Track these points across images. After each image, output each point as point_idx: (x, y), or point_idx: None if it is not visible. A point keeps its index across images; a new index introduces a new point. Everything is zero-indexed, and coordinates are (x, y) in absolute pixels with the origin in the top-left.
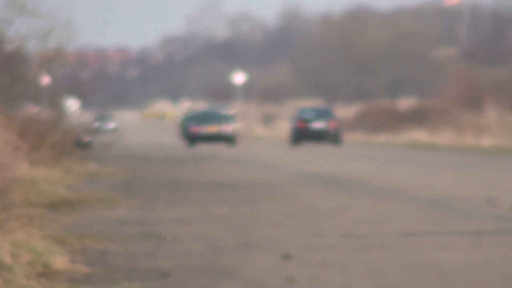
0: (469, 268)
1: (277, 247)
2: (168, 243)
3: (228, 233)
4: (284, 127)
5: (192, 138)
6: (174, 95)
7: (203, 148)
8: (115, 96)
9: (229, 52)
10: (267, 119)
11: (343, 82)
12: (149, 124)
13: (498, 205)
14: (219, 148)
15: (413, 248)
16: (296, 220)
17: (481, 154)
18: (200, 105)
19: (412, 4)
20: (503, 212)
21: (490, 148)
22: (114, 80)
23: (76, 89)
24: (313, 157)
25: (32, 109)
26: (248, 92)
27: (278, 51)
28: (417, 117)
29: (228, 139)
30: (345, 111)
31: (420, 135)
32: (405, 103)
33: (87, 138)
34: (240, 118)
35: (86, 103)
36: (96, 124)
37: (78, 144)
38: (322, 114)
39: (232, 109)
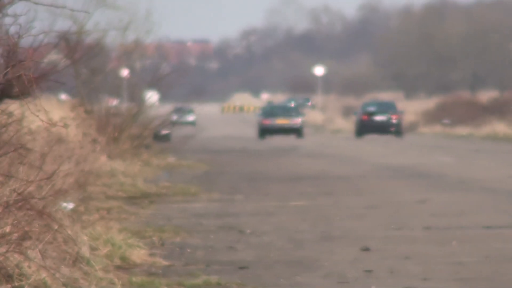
0: None
1: (357, 239)
2: (247, 236)
3: (308, 225)
4: None
5: (263, 130)
6: (254, 88)
7: (280, 141)
8: (194, 89)
9: (309, 44)
10: (347, 112)
11: (423, 74)
12: (228, 117)
13: None
14: (296, 141)
15: (493, 240)
16: (376, 213)
17: None
18: (280, 98)
19: None
20: None
21: None
22: (193, 73)
23: (155, 82)
24: (391, 149)
25: (111, 102)
26: (328, 84)
27: (358, 43)
28: (497, 110)
29: (296, 131)
30: (425, 104)
31: (501, 127)
32: (485, 95)
33: (166, 131)
34: (320, 111)
35: (165, 96)
36: (175, 117)
37: (157, 137)
38: (385, 107)
39: (311, 102)
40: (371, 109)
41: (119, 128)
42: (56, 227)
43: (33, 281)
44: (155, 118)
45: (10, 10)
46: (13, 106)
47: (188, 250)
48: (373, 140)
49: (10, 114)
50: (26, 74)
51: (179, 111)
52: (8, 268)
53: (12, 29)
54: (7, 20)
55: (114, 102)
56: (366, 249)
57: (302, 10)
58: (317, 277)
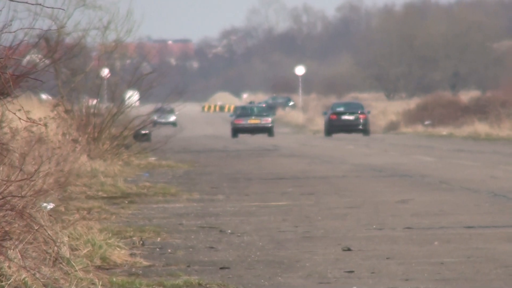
0: None
1: (338, 239)
2: (228, 236)
3: (289, 225)
4: None
5: (236, 130)
6: (235, 87)
7: (261, 141)
8: (175, 88)
9: (290, 44)
10: None
11: (404, 74)
12: (209, 117)
13: None
14: (277, 141)
15: (474, 240)
16: (357, 213)
17: None
18: (261, 97)
19: None
20: None
21: None
22: (174, 72)
23: (135, 81)
24: (372, 149)
25: (91, 102)
26: (309, 84)
27: (338, 43)
28: (479, 110)
29: (267, 130)
30: (407, 103)
31: (482, 127)
32: (467, 95)
33: (146, 131)
34: (301, 110)
35: (145, 95)
36: (156, 117)
37: (137, 137)
38: (353, 107)
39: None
40: (340, 109)
41: (99, 128)
42: (36, 227)
43: (13, 282)
44: (136, 118)
45: None
46: None
47: (169, 250)
48: (354, 140)
49: None
50: (5, 73)
51: (160, 111)
52: None
53: None
54: None
55: (94, 101)
56: (348, 249)
57: (283, 10)
58: (298, 278)
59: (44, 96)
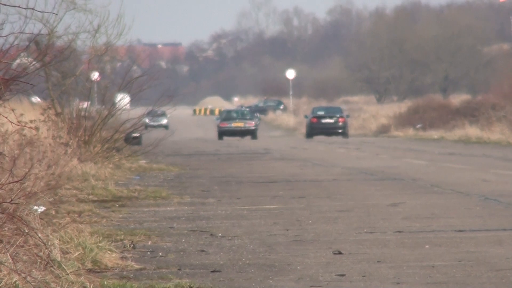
0: None
1: (329, 243)
2: (219, 239)
3: (280, 229)
4: None
5: (221, 132)
6: (225, 91)
7: (252, 144)
8: (165, 91)
9: (280, 47)
10: None
11: (395, 78)
12: (200, 120)
13: None
14: (268, 144)
15: (465, 244)
16: (348, 216)
17: None
18: (251, 101)
19: None
20: None
21: None
22: (164, 75)
23: (126, 85)
24: (363, 153)
25: (82, 105)
26: (300, 87)
27: (329, 46)
28: (469, 113)
29: (251, 133)
30: (397, 107)
31: (472, 130)
32: (457, 98)
33: (137, 134)
34: (292, 114)
35: (136, 99)
36: (148, 120)
37: (128, 140)
38: (333, 111)
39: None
40: (320, 113)
41: (90, 131)
42: (27, 230)
43: (4, 285)
44: (127, 121)
45: None
46: None
47: (160, 254)
48: (346, 144)
49: None
50: None
51: (152, 114)
52: None
53: None
54: None
55: (84, 105)
56: (339, 253)
57: (273, 13)
58: (289, 281)
59: (34, 100)
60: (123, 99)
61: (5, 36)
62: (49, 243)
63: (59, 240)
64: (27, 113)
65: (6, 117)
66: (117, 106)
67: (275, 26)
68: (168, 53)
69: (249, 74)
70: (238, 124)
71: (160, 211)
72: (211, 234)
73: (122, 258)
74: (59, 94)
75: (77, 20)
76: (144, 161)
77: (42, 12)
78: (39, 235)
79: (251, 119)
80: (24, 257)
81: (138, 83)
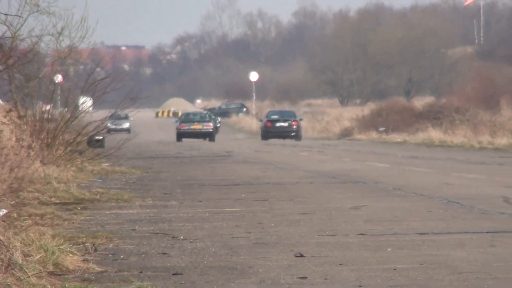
0: (484, 267)
1: (291, 245)
2: (181, 242)
3: (242, 231)
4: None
5: (180, 134)
6: (189, 93)
7: (215, 147)
8: (129, 94)
9: (244, 50)
10: None
11: (358, 80)
12: (163, 122)
13: None
14: (230, 147)
15: (427, 246)
16: (310, 219)
17: (497, 153)
18: (214, 103)
19: (427, 2)
20: None
21: (506, 147)
22: (128, 78)
23: (89, 87)
24: (326, 156)
25: (45, 107)
26: (263, 90)
27: (293, 48)
28: (433, 116)
29: (209, 135)
30: (361, 110)
31: (435, 133)
32: (421, 101)
33: (100, 137)
34: (255, 117)
35: (99, 101)
36: (110, 123)
37: (91, 143)
38: (286, 115)
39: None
40: (274, 116)
41: (53, 133)
42: None
43: None
44: (89, 124)
45: None
46: None
47: (122, 256)
48: (309, 147)
49: None
50: None
51: (114, 117)
52: None
53: None
54: None
55: (47, 107)
56: (300, 256)
57: (237, 16)
58: (251, 284)
59: None
60: (86, 103)
61: None
62: (11, 246)
63: (21, 242)
64: None
65: None
66: (80, 108)
67: (239, 28)
68: (131, 55)
69: (212, 77)
70: (196, 127)
71: (122, 213)
72: (173, 237)
73: (83, 260)
74: (22, 97)
75: (41, 23)
76: (106, 164)
77: (6, 14)
78: (1, 237)
79: (209, 121)
80: None
81: (101, 85)
